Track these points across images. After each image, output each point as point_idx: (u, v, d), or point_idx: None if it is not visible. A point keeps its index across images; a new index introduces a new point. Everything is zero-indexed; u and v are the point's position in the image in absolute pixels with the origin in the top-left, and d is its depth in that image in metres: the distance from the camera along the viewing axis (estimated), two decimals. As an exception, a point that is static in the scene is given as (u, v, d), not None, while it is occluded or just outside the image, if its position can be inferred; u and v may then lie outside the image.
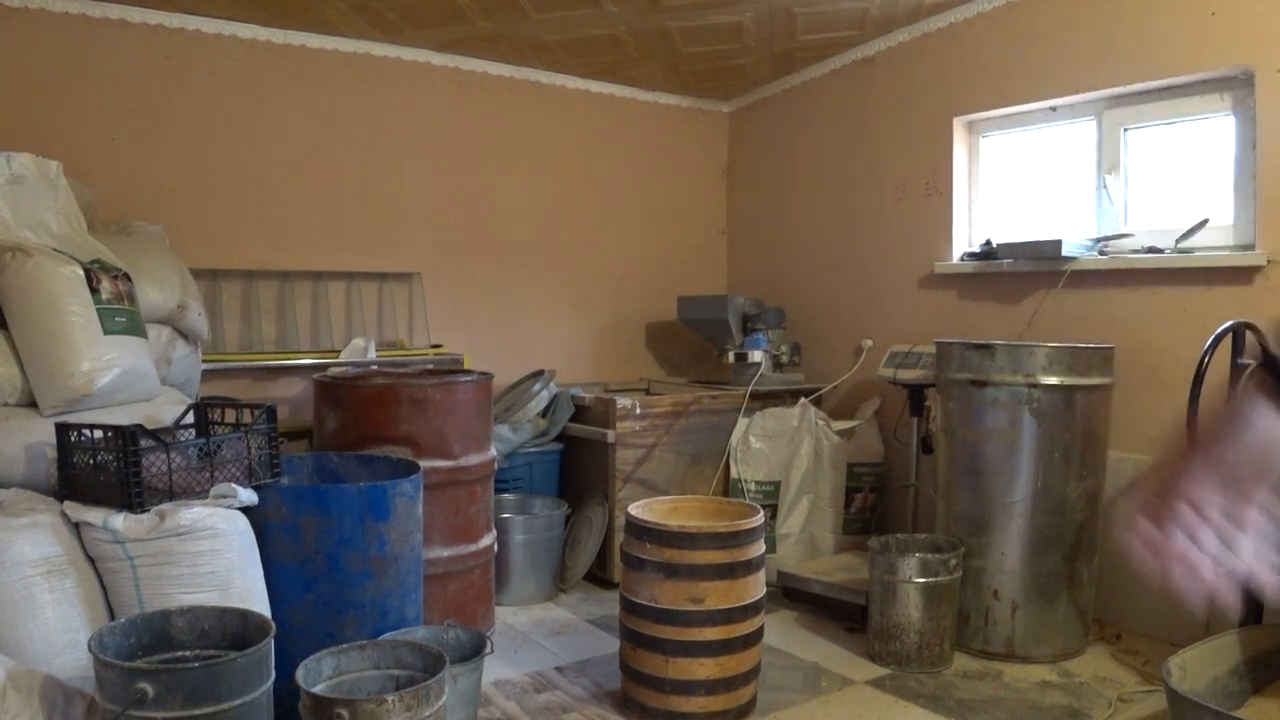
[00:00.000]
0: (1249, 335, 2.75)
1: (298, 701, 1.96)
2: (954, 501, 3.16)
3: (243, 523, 2.24)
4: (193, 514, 2.14)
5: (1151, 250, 3.30)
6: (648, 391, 4.58)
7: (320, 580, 2.35)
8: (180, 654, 1.98)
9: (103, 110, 3.44)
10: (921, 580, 2.93)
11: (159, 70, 3.54)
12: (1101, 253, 3.42)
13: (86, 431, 2.23)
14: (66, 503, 2.19)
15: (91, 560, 2.15)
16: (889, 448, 4.03)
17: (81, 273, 2.49)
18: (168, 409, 2.62)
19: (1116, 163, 3.47)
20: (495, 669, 2.90)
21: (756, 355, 4.19)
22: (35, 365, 2.41)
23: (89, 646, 1.83)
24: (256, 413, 2.45)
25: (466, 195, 4.29)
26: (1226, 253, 3.09)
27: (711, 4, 3.64)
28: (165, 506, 2.15)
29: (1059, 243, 3.34)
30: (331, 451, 2.91)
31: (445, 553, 2.99)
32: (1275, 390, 0.88)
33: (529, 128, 4.45)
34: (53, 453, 2.32)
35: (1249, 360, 2.71)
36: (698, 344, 4.81)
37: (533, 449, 3.84)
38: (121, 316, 2.55)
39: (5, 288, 2.43)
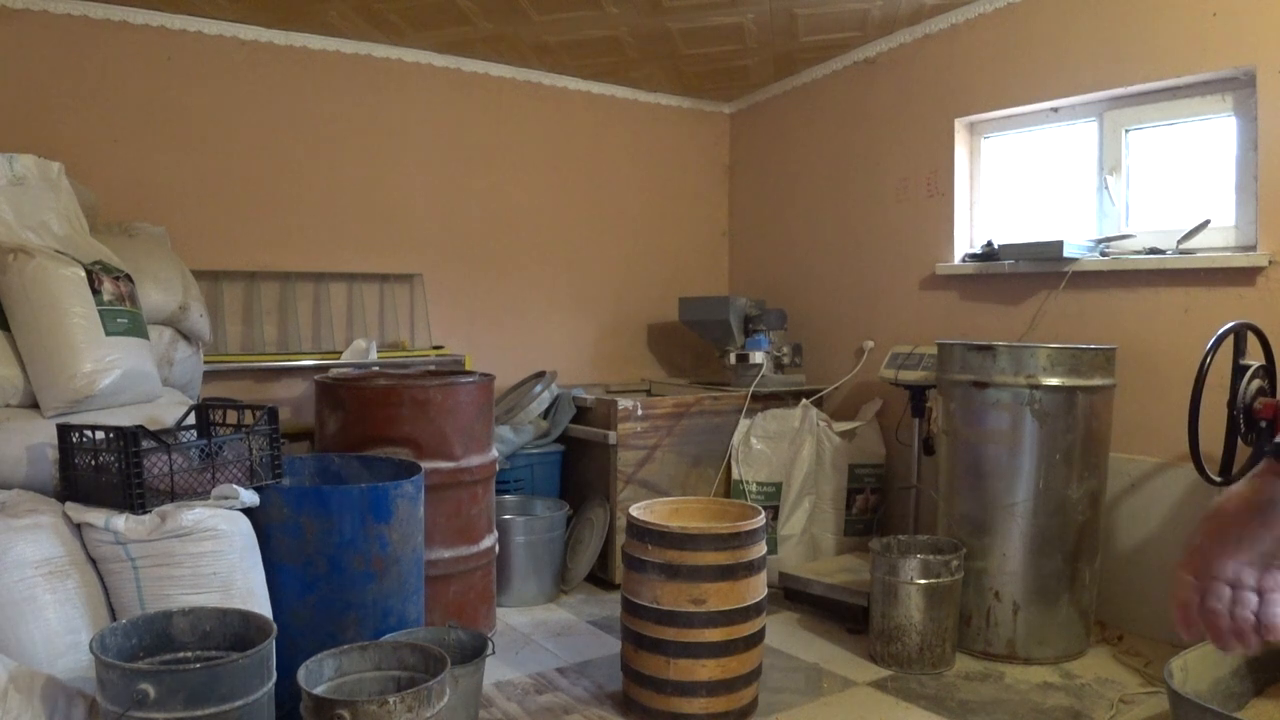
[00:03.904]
0: (1251, 337, 2.75)
1: (299, 703, 1.96)
2: (955, 503, 3.16)
3: (244, 524, 2.25)
4: (194, 515, 2.14)
5: (1153, 251, 3.30)
6: (649, 393, 4.58)
7: (322, 581, 2.35)
8: (182, 655, 1.98)
9: (105, 112, 3.45)
10: (923, 581, 2.93)
11: (161, 72, 3.55)
12: (1103, 254, 3.42)
13: (88, 432, 2.23)
14: (68, 504, 2.20)
15: (93, 561, 2.15)
16: (890, 449, 4.03)
17: (83, 274, 2.49)
18: (169, 410, 2.62)
19: (1118, 163, 3.47)
20: (496, 670, 2.90)
21: (758, 356, 4.19)
22: (37, 366, 2.42)
23: (90, 647, 1.83)
24: (258, 414, 2.45)
25: (468, 196, 4.29)
26: (1228, 253, 3.09)
27: (713, 5, 3.64)
28: (167, 507, 2.15)
29: (1060, 244, 3.34)
30: (333, 453, 2.91)
31: (447, 554, 2.99)
32: None
33: (530, 129, 4.45)
34: (54, 454, 2.32)
35: (1250, 362, 2.70)
36: (699, 345, 4.81)
37: (534, 450, 3.84)
38: (123, 318, 2.56)
39: (7, 289, 2.43)
